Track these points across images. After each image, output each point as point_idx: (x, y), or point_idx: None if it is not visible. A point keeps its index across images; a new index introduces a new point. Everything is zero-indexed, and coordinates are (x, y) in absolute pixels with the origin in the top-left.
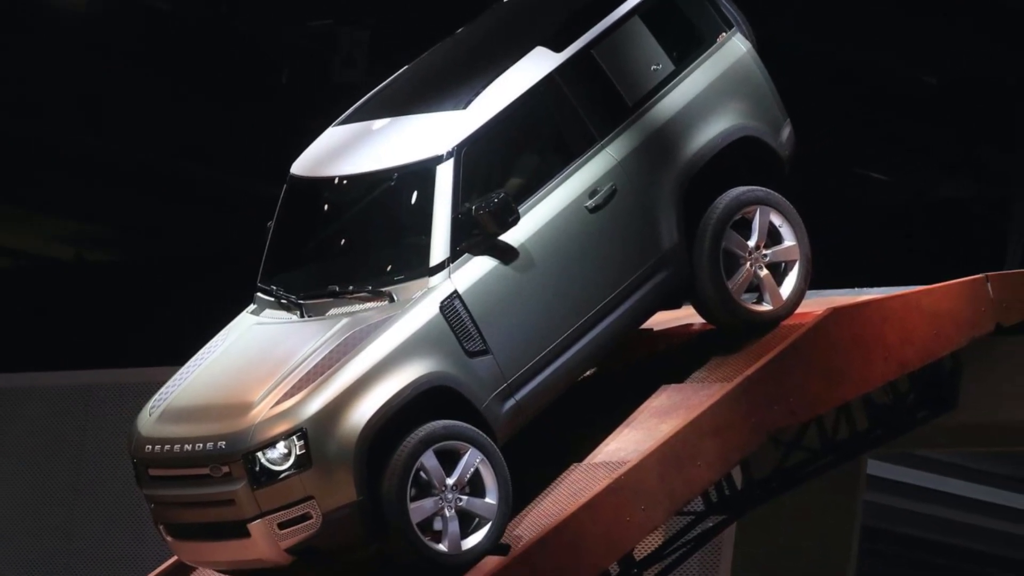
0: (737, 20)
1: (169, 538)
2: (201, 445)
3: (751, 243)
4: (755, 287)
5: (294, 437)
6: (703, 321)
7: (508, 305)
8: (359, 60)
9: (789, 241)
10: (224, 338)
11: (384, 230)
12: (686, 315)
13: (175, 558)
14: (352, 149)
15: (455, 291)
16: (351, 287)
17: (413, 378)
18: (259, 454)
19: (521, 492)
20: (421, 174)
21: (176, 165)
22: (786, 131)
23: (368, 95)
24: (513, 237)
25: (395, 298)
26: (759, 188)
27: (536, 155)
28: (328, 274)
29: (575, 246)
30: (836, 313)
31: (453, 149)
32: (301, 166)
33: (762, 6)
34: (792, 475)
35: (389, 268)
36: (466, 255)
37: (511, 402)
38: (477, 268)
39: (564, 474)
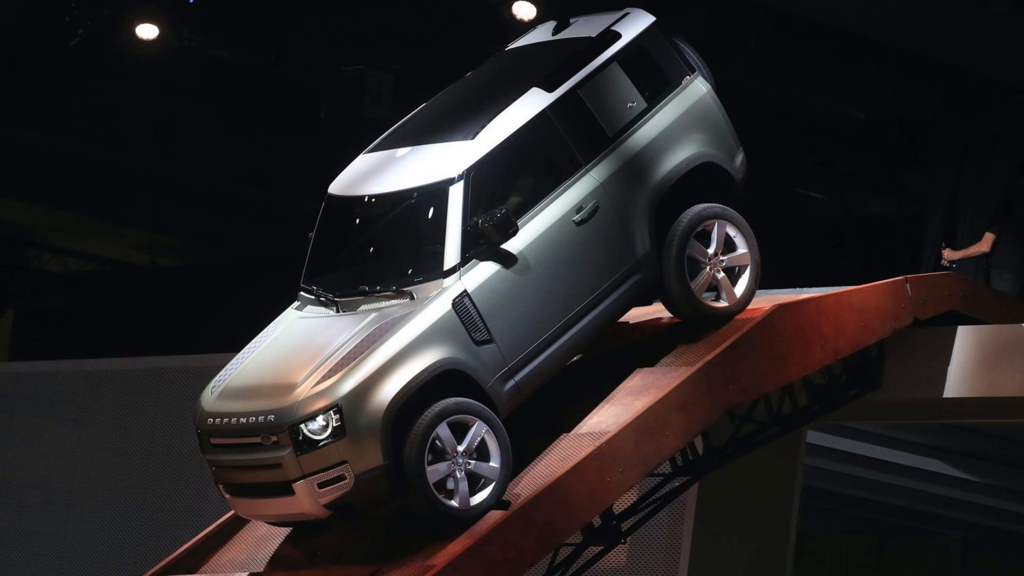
0: (699, 65)
1: (227, 495)
2: (254, 418)
3: (710, 251)
4: (714, 287)
5: (331, 412)
6: (670, 315)
7: (509, 302)
8: (385, 99)
9: (742, 249)
10: (273, 329)
11: (405, 240)
12: (656, 311)
13: (232, 512)
14: (379, 172)
15: (465, 291)
16: (378, 287)
17: (430, 363)
18: (302, 426)
19: (519, 457)
20: (436, 193)
21: (233, 186)
22: (740, 157)
23: (392, 127)
24: (513, 246)
25: (415, 296)
26: (717, 205)
27: (532, 177)
28: (359, 276)
29: (564, 253)
30: (781, 309)
31: (463, 172)
32: (336, 186)
33: (719, 54)
34: (744, 443)
35: (410, 271)
36: (474, 261)
37: (511, 383)
38: (483, 272)
39: (555, 442)
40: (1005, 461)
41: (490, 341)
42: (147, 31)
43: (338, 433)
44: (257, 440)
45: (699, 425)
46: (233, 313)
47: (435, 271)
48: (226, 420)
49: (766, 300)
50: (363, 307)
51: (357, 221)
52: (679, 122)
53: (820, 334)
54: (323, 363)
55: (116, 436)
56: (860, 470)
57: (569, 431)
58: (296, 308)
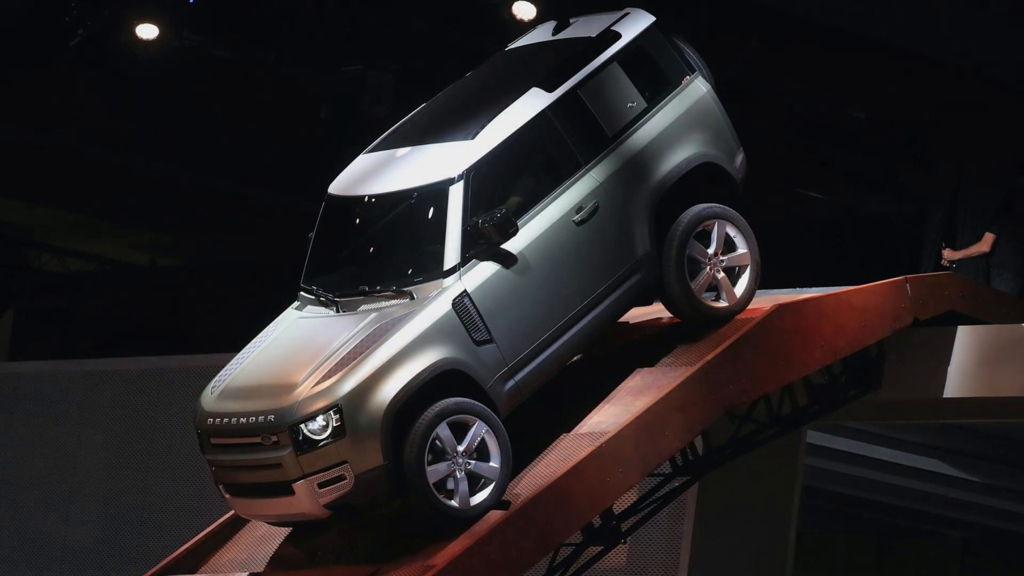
0: (699, 65)
1: (227, 496)
2: (254, 418)
3: (710, 251)
4: (714, 287)
5: (331, 412)
6: (670, 315)
7: (509, 302)
8: (385, 99)
9: (742, 249)
10: (273, 329)
11: (405, 240)
12: (656, 311)
13: (232, 512)
14: (379, 172)
15: (465, 291)
16: (378, 287)
17: (430, 363)
18: (302, 426)
19: (519, 457)
20: (436, 193)
21: (233, 185)
22: (740, 157)
23: (392, 127)
24: (513, 246)
25: (415, 296)
26: (717, 205)
27: (532, 177)
28: (359, 276)
29: (564, 253)
30: (781, 309)
31: (463, 172)
32: (337, 186)
33: (720, 54)
34: (744, 443)
35: (410, 271)
36: (474, 261)
37: (511, 383)
38: (483, 272)
39: (555, 442)
40: (1005, 461)
41: (490, 341)
42: (147, 31)
43: (338, 433)
44: (257, 440)
45: (699, 425)
46: (233, 313)
47: (435, 271)
48: (226, 420)
49: (766, 300)
50: (363, 307)
51: (357, 221)
52: (679, 122)
53: (820, 334)
54: (323, 363)
55: (116, 436)
56: (860, 470)
57: (569, 431)
58: (296, 308)
